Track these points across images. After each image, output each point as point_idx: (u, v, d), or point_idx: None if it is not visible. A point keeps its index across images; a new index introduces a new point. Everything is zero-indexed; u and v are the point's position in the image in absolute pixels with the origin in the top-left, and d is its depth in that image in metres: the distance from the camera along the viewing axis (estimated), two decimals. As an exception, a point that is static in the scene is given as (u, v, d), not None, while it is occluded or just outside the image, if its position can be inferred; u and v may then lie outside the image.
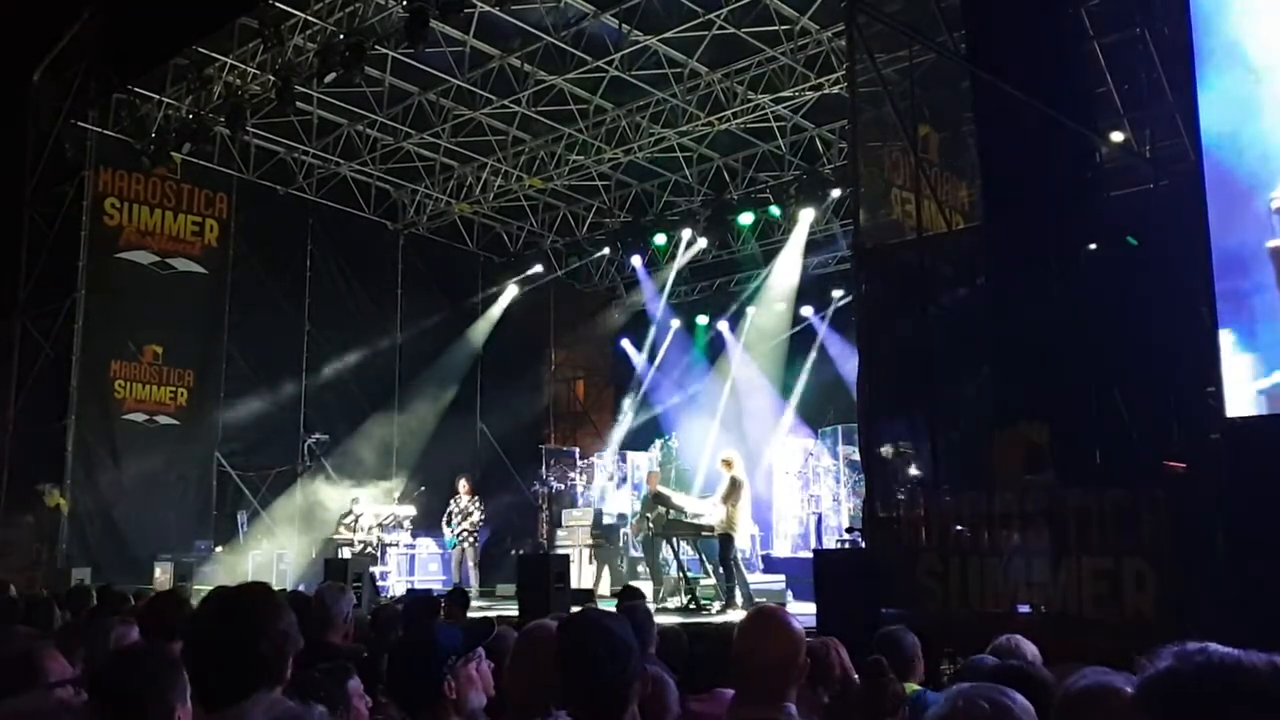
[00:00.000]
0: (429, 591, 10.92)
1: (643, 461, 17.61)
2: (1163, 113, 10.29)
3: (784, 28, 14.16)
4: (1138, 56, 10.82)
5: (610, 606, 8.29)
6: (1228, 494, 7.24)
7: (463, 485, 15.76)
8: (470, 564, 15.23)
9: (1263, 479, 7.02)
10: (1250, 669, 1.27)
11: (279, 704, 2.23)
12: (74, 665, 3.25)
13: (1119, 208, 10.04)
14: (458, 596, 8.42)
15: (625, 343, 21.89)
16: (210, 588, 2.76)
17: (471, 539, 15.35)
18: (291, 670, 3.50)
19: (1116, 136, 11.35)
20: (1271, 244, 7.01)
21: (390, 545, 15.63)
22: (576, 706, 2.52)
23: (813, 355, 18.67)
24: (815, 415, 17.77)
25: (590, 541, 15.22)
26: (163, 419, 16.69)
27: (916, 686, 4.27)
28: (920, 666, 4.55)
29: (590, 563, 15.05)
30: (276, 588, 11.70)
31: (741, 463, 12.53)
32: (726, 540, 11.82)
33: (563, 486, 18.57)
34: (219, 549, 15.90)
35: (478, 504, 15.64)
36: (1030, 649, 4.24)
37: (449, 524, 15.56)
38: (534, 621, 2.95)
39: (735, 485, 11.99)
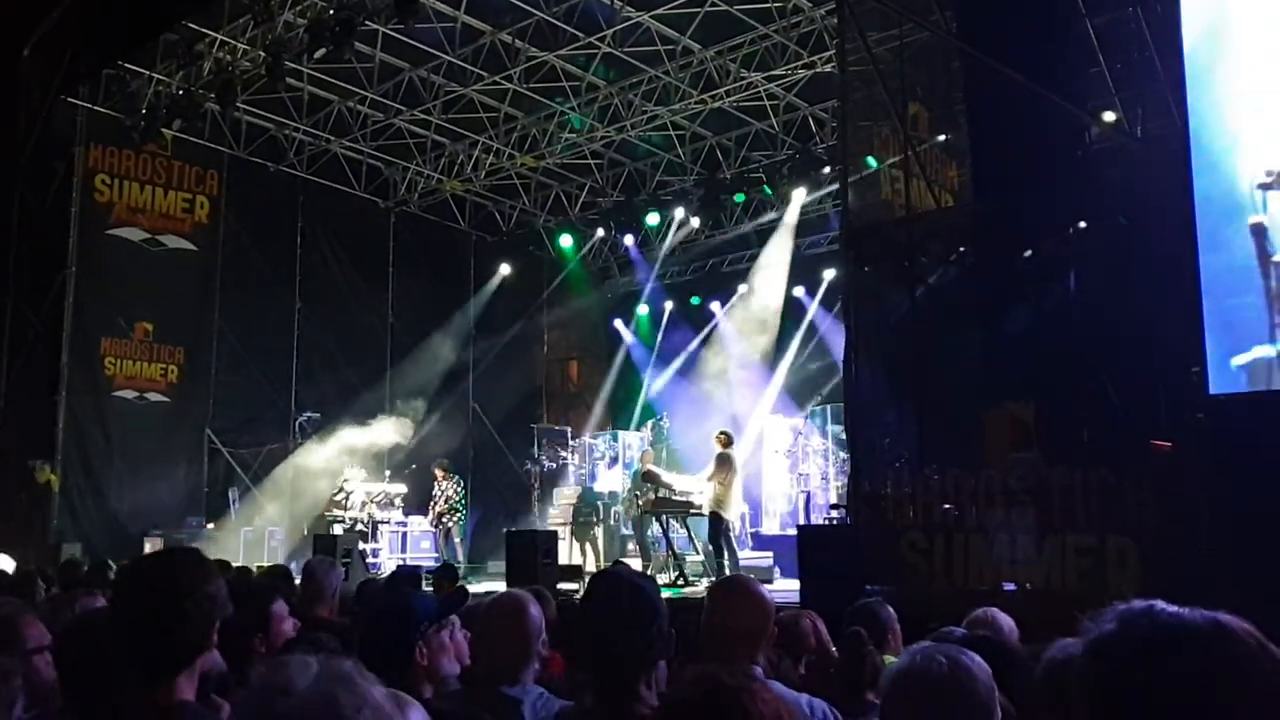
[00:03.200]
0: (418, 568, 10.96)
1: (634, 441, 17.64)
2: (1154, 92, 10.29)
3: (776, 5, 14.11)
4: (1130, 36, 10.81)
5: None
6: (1211, 472, 7.29)
7: (438, 473, 15.78)
8: (456, 540, 15.25)
9: (1246, 457, 7.07)
10: (1191, 626, 1.28)
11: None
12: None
13: (1109, 187, 10.06)
14: (446, 572, 8.47)
15: (618, 323, 21.89)
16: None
17: (455, 517, 15.37)
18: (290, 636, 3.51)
19: (1108, 116, 11.34)
20: (1253, 220, 7.03)
21: (381, 523, 15.66)
22: (599, 666, 2.49)
23: (803, 335, 18.68)
24: (805, 394, 17.81)
25: (566, 520, 15.23)
26: (153, 396, 16.67)
27: (894, 659, 4.30)
28: (897, 640, 4.58)
29: (579, 540, 15.10)
30: (267, 564, 11.73)
31: (733, 440, 12.55)
32: (715, 518, 11.86)
33: (555, 465, 18.61)
34: (210, 525, 15.91)
35: (456, 485, 15.64)
36: (1007, 622, 4.26)
37: (434, 508, 15.58)
38: (504, 591, 2.97)
39: (724, 462, 12.02)
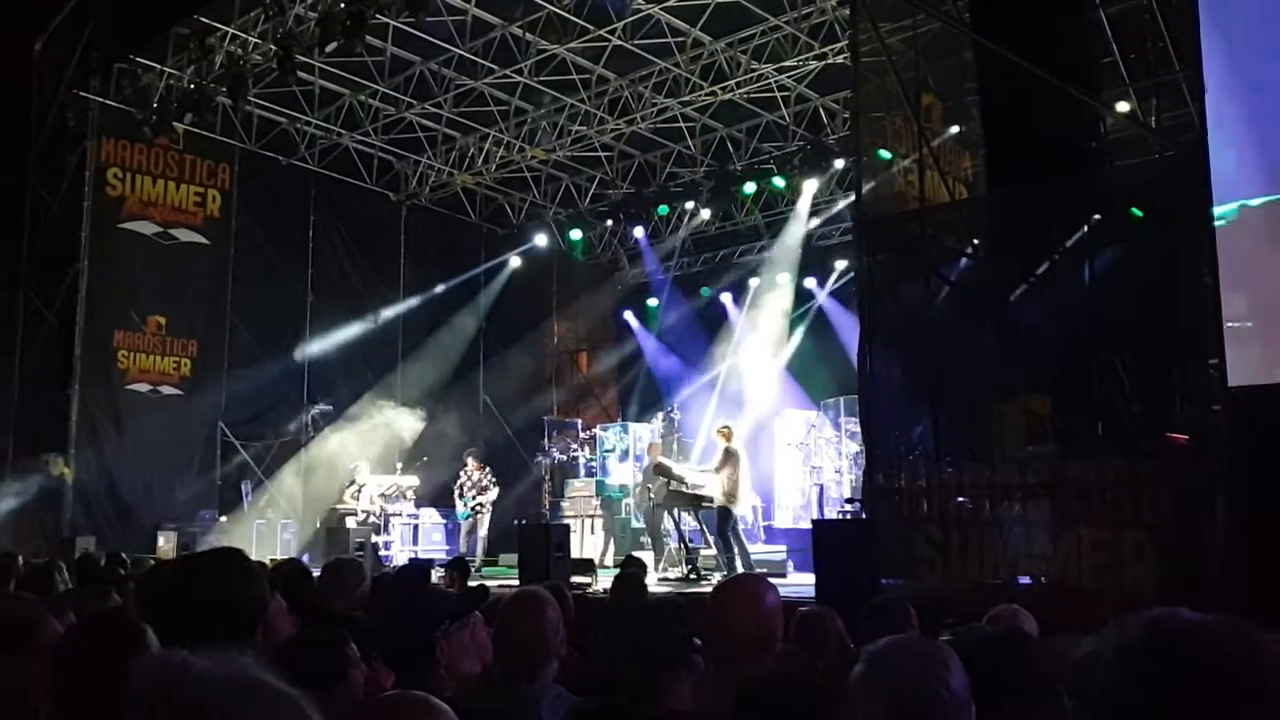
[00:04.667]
0: (430, 561, 10.96)
1: (644, 433, 17.61)
2: (1169, 82, 10.23)
3: (788, -4, 14.06)
4: (1144, 25, 10.75)
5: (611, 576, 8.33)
6: (1229, 465, 7.24)
7: (470, 461, 15.78)
8: (480, 534, 15.26)
9: (1264, 450, 7.02)
10: (1221, 640, 1.26)
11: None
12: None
13: (1123, 178, 10.00)
14: (458, 565, 8.46)
15: (628, 314, 21.87)
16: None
17: (486, 510, 15.40)
18: (290, 634, 3.50)
19: (1122, 107, 11.28)
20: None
21: (393, 515, 15.65)
22: (627, 664, 2.45)
23: (815, 326, 18.64)
24: (817, 387, 17.75)
25: (589, 512, 15.28)
26: (166, 389, 16.71)
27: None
28: (915, 635, 4.55)
29: (591, 533, 15.12)
30: (280, 557, 11.75)
31: (738, 433, 12.53)
32: (724, 512, 11.84)
33: (565, 457, 18.59)
34: (223, 518, 15.95)
35: (490, 478, 15.62)
36: (1029, 620, 4.23)
37: (460, 496, 15.59)
38: (522, 588, 2.96)
39: (729, 456, 11.99)
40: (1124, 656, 1.30)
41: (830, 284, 18.49)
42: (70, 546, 13.37)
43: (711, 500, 12.13)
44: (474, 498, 15.32)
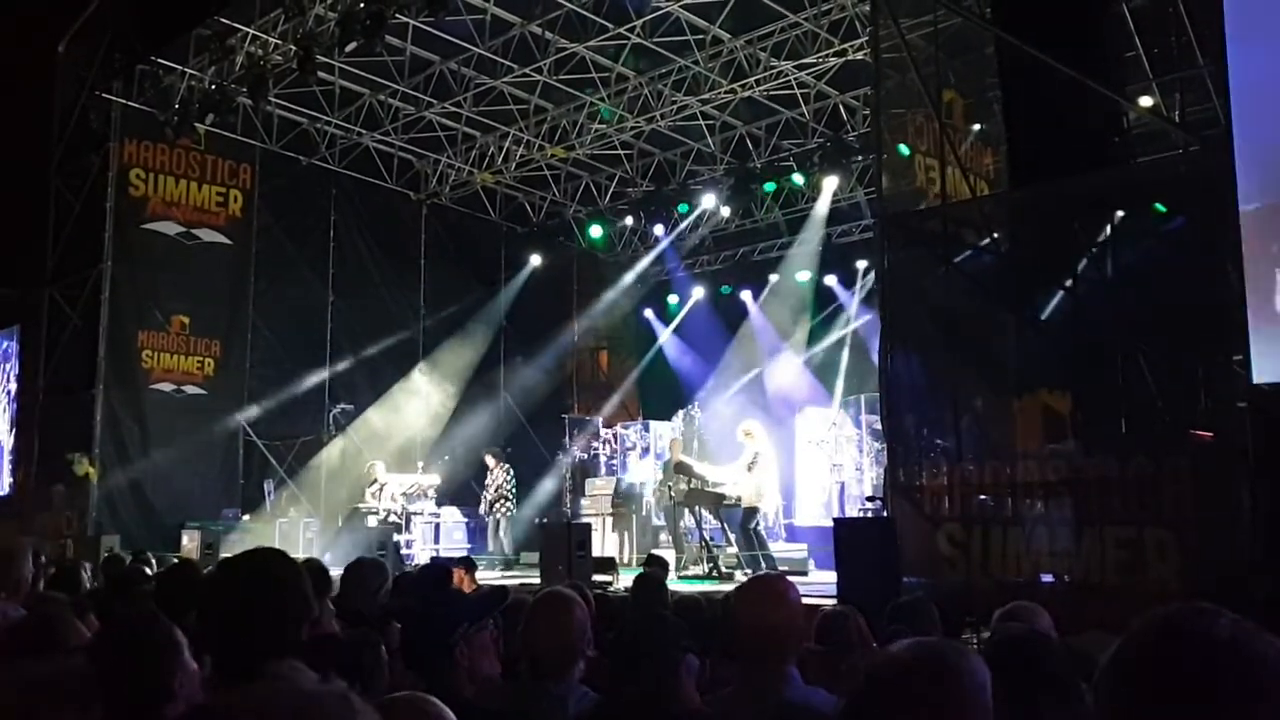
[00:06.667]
0: (451, 560, 10.99)
1: (665, 431, 17.62)
2: (1193, 76, 10.14)
3: (807, -8, 14.02)
4: (1167, 19, 10.66)
5: (633, 574, 8.34)
6: (1254, 463, 7.18)
7: (490, 460, 15.84)
8: (503, 533, 15.35)
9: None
10: (1205, 639, 1.25)
11: (297, 679, 2.21)
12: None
13: (1147, 173, 9.92)
14: (465, 563, 8.54)
15: (648, 312, 21.87)
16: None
17: (505, 509, 15.46)
18: (319, 637, 3.52)
19: (1145, 101, 11.20)
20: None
21: (415, 514, 15.71)
22: (636, 662, 2.46)
23: (836, 324, 18.59)
24: (838, 384, 17.72)
25: (610, 510, 15.31)
26: (190, 388, 16.80)
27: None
28: (938, 636, 4.53)
29: (612, 531, 15.14)
30: (303, 556, 11.79)
31: (763, 432, 12.51)
32: (750, 510, 11.84)
33: (586, 456, 18.62)
34: (246, 517, 16.03)
35: (507, 475, 15.68)
36: (1042, 616, 4.21)
37: (485, 497, 15.73)
38: (550, 588, 2.96)
39: (759, 455, 11.99)
40: (1128, 656, 1.28)
41: (851, 281, 18.41)
42: (96, 545, 13.49)
43: (732, 499, 12.12)
44: (491, 496, 15.45)
